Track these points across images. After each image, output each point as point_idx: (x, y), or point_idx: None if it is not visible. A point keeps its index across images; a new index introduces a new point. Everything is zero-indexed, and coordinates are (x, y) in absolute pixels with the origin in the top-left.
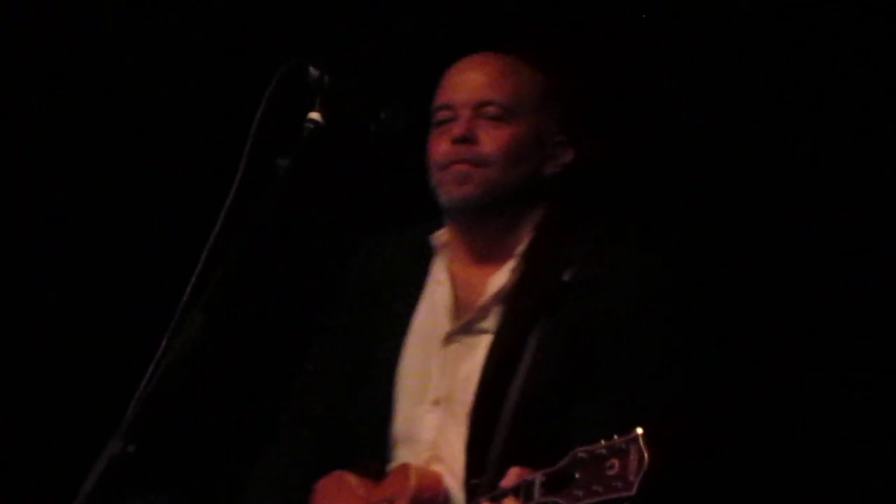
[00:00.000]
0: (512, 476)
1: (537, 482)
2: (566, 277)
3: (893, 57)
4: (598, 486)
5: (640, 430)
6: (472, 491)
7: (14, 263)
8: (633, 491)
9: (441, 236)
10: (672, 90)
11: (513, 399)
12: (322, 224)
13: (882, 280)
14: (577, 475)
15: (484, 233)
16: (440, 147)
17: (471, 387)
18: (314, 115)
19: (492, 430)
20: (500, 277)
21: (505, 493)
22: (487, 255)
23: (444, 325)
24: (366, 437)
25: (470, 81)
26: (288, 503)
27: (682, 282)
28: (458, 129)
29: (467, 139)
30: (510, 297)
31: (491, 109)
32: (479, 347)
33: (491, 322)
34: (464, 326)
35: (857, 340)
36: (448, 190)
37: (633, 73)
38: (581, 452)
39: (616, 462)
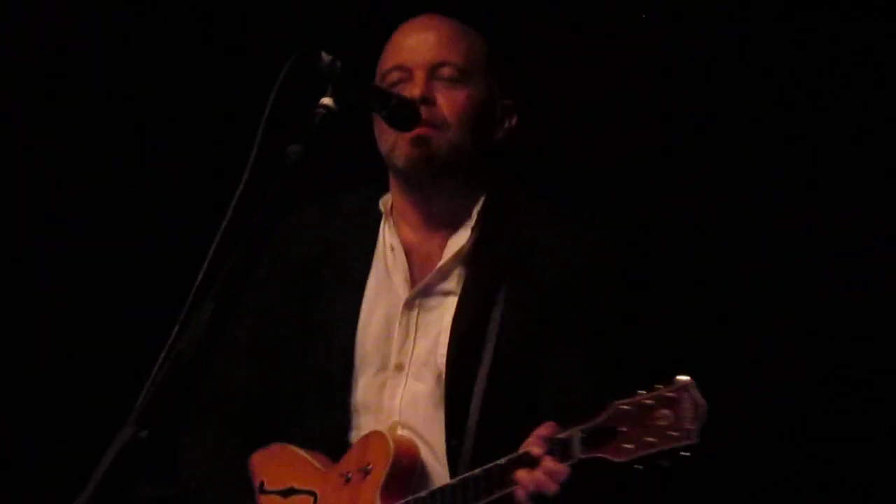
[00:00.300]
0: (537, 440)
1: (576, 439)
2: (527, 240)
3: (893, 57)
4: (651, 438)
5: (688, 378)
6: (452, 452)
7: (26, 251)
8: (695, 438)
9: (388, 201)
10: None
11: (487, 359)
12: None
13: (873, 276)
14: (621, 429)
15: (438, 196)
16: None
17: (440, 348)
18: (326, 101)
19: (468, 391)
20: (458, 238)
21: (536, 458)
22: (441, 219)
23: (401, 290)
24: (323, 408)
25: (424, 42)
26: (227, 478)
27: (622, 247)
28: (416, 90)
29: (426, 99)
30: (471, 258)
31: (447, 70)
32: (443, 308)
33: (453, 283)
34: (424, 289)
35: (844, 336)
36: (405, 151)
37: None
38: (622, 404)
39: (668, 412)
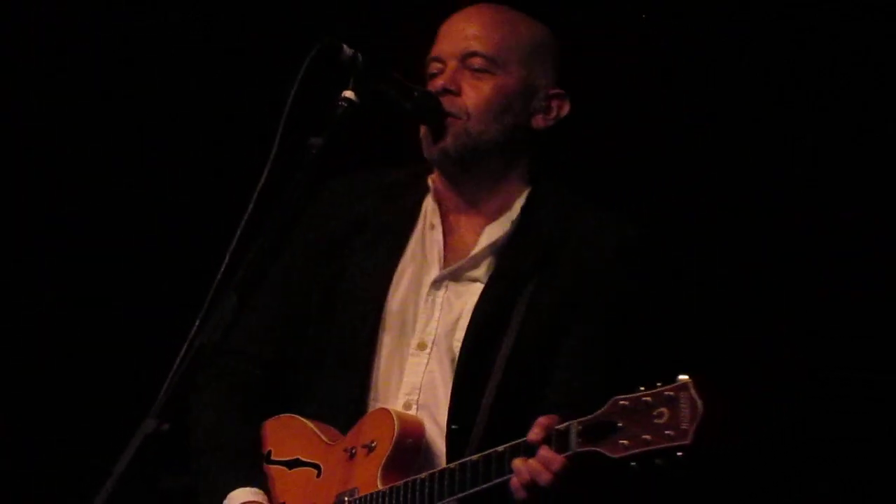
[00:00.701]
0: (538, 428)
1: (573, 431)
2: (560, 238)
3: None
4: (647, 436)
5: (688, 378)
6: (451, 436)
7: (25, 251)
8: (689, 440)
9: (436, 178)
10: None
11: (505, 350)
12: None
13: (873, 276)
14: (619, 424)
15: (468, 183)
16: None
17: (459, 333)
18: (348, 94)
19: (481, 378)
20: (495, 229)
21: (534, 446)
22: (478, 205)
23: (433, 269)
24: (343, 374)
25: (459, 32)
26: (236, 444)
27: (660, 253)
28: (441, 80)
29: (448, 91)
30: (504, 250)
31: (476, 61)
32: (468, 295)
33: (482, 272)
34: (453, 273)
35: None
36: (426, 143)
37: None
38: (622, 400)
39: (666, 410)
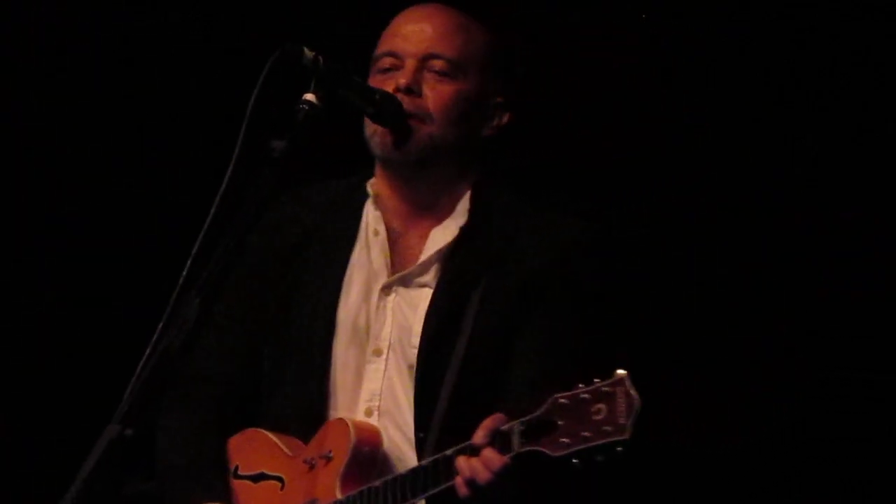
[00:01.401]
0: (483, 430)
1: (516, 431)
2: (507, 239)
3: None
4: (586, 432)
5: (623, 372)
6: (420, 444)
7: (11, 251)
8: (627, 434)
9: (375, 184)
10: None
11: (458, 355)
12: None
13: (873, 276)
14: (559, 422)
15: (420, 187)
16: None
17: (414, 339)
18: (309, 97)
19: (438, 383)
20: (442, 234)
21: (478, 448)
22: (424, 209)
23: (381, 276)
24: (301, 386)
25: (419, 32)
26: (201, 461)
27: (607, 246)
28: (403, 79)
29: (411, 90)
30: (451, 254)
31: (438, 63)
32: (419, 300)
33: (430, 276)
34: (402, 278)
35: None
36: (382, 140)
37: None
38: (561, 398)
39: (603, 406)
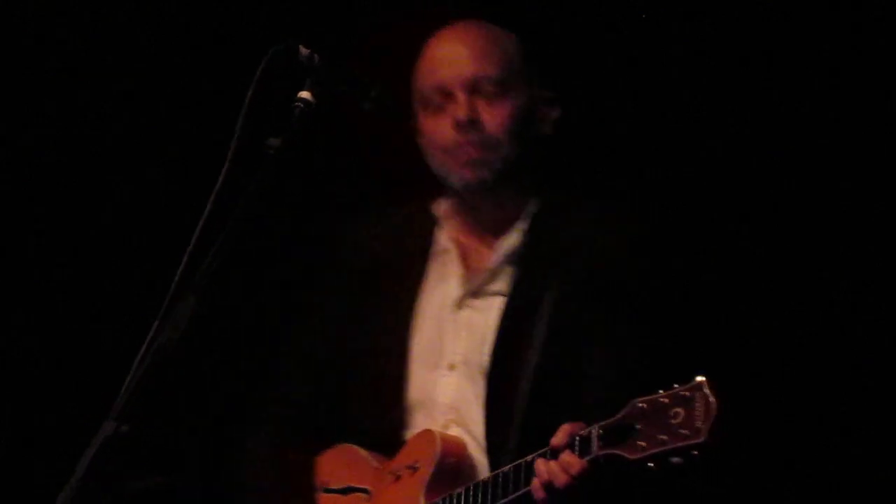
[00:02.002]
0: (562, 433)
1: (594, 435)
2: (577, 241)
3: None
4: (663, 436)
5: (702, 378)
6: (493, 451)
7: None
8: (703, 437)
9: (441, 206)
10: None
11: (533, 359)
12: (315, 203)
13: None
14: (637, 426)
15: (491, 202)
16: (443, 131)
17: (486, 347)
18: (304, 95)
19: (512, 390)
20: (509, 240)
21: (557, 451)
22: (489, 220)
23: (454, 291)
24: (379, 407)
25: (458, 57)
26: (282, 481)
27: (672, 243)
28: (461, 113)
29: (473, 122)
30: (521, 259)
31: (486, 86)
32: (491, 309)
33: (502, 284)
34: (475, 290)
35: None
36: (461, 175)
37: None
38: (640, 402)
39: (681, 410)
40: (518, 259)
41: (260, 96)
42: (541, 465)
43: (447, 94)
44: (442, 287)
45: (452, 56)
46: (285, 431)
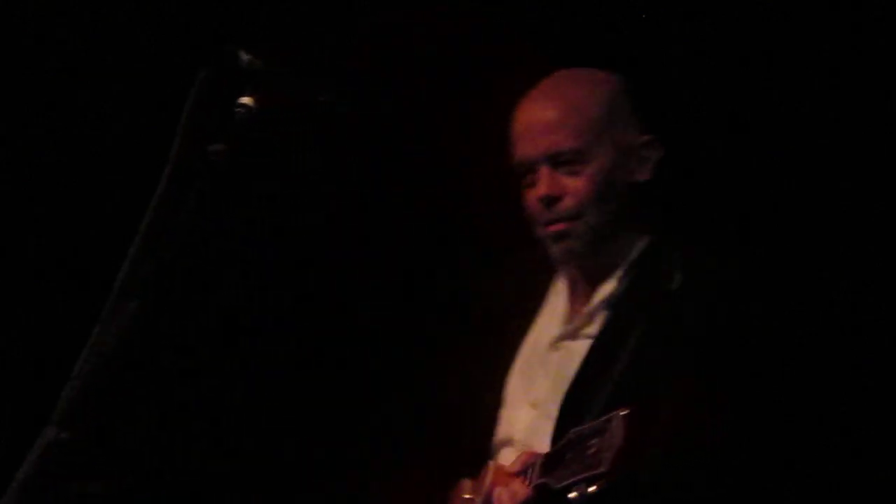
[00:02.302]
0: (518, 461)
1: (538, 463)
2: (672, 286)
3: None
4: (577, 466)
5: (623, 412)
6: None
7: None
8: (604, 467)
9: None
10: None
11: (599, 404)
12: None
13: None
14: (567, 455)
15: (593, 259)
16: (531, 205)
17: (566, 387)
18: (245, 100)
19: (576, 426)
20: (608, 285)
21: (511, 478)
22: (599, 266)
23: (554, 331)
24: (476, 444)
25: (537, 131)
26: None
27: (764, 295)
28: (541, 189)
29: (552, 198)
30: (616, 304)
31: (565, 157)
32: (579, 352)
33: (595, 328)
34: (570, 332)
35: None
36: (551, 248)
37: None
38: (572, 433)
39: (596, 441)
40: (615, 303)
41: (203, 101)
42: (497, 492)
43: (531, 169)
44: (546, 327)
45: (532, 128)
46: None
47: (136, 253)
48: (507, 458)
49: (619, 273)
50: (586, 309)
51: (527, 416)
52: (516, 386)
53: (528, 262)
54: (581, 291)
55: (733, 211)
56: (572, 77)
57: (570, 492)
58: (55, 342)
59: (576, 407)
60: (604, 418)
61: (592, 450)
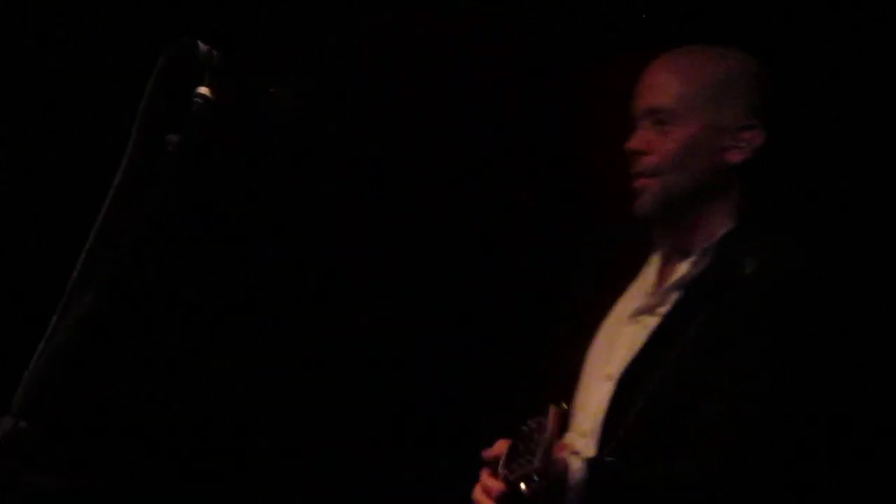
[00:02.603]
0: (493, 449)
1: (504, 454)
2: (744, 272)
3: None
4: (522, 460)
5: (556, 408)
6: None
7: None
8: (535, 464)
9: None
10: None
11: (655, 381)
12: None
13: None
14: (520, 447)
15: (673, 230)
16: (628, 158)
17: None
18: (202, 91)
19: (628, 409)
20: (686, 266)
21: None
22: (683, 244)
23: (636, 305)
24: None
25: (644, 88)
26: None
27: (835, 288)
28: (633, 142)
29: (638, 152)
30: (688, 286)
31: (658, 116)
32: (651, 329)
33: (667, 307)
34: (648, 307)
35: None
36: (631, 203)
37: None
38: (524, 425)
39: (536, 436)
40: (688, 285)
41: (161, 93)
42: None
43: (635, 125)
44: (632, 299)
45: (642, 86)
46: None
47: (92, 244)
48: (575, 426)
49: (696, 254)
50: (663, 288)
51: (602, 387)
52: (594, 355)
53: (631, 233)
54: (667, 269)
55: (823, 202)
56: (697, 49)
57: (520, 484)
58: (12, 333)
59: (631, 385)
60: (544, 414)
61: (533, 443)
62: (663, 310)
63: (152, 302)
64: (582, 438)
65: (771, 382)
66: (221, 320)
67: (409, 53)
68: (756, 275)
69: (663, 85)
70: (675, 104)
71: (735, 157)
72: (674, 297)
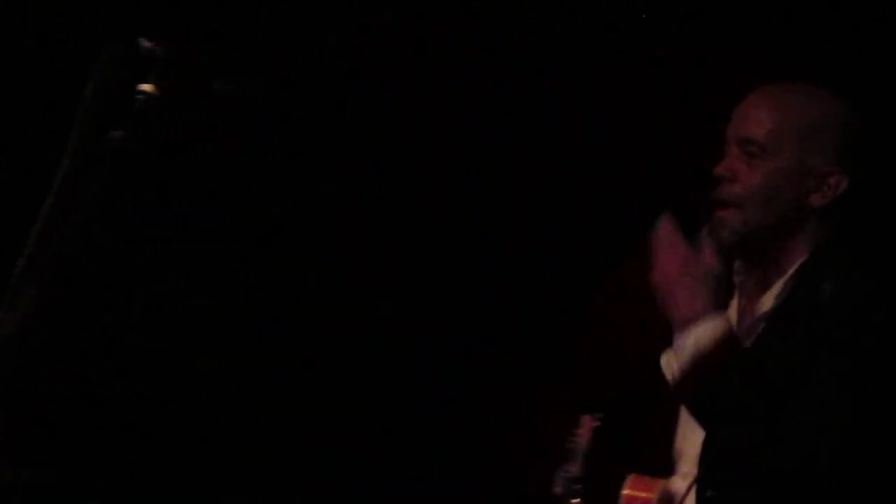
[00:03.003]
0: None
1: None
2: (823, 298)
3: None
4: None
5: (591, 420)
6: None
7: None
8: (575, 469)
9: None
10: None
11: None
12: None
13: None
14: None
15: (751, 265)
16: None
17: None
18: (145, 87)
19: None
20: (767, 301)
21: None
22: (761, 277)
23: None
24: (658, 454)
25: (741, 117)
26: None
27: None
28: (721, 166)
29: (724, 177)
30: (769, 318)
31: (750, 147)
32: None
33: (752, 339)
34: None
35: None
36: (711, 232)
37: None
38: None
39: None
40: (768, 317)
41: (102, 88)
42: None
43: (727, 149)
44: None
45: (740, 114)
46: None
47: (35, 240)
48: (679, 470)
49: (777, 286)
50: (748, 322)
51: (697, 431)
52: None
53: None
54: (748, 304)
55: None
56: (796, 87)
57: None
58: None
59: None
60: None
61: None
62: (748, 343)
63: (151, 302)
64: (683, 480)
65: (853, 407)
66: (220, 320)
67: (408, 53)
68: (834, 300)
69: (759, 118)
70: (767, 139)
71: (817, 201)
72: (758, 329)
